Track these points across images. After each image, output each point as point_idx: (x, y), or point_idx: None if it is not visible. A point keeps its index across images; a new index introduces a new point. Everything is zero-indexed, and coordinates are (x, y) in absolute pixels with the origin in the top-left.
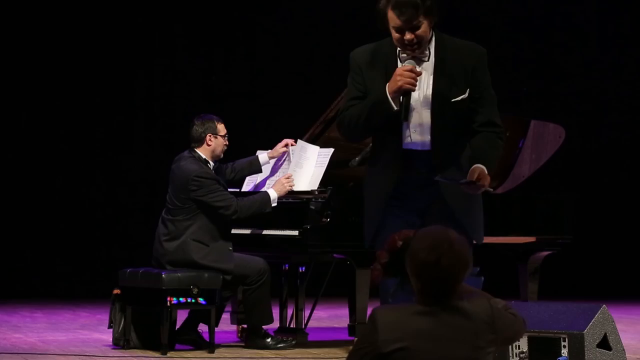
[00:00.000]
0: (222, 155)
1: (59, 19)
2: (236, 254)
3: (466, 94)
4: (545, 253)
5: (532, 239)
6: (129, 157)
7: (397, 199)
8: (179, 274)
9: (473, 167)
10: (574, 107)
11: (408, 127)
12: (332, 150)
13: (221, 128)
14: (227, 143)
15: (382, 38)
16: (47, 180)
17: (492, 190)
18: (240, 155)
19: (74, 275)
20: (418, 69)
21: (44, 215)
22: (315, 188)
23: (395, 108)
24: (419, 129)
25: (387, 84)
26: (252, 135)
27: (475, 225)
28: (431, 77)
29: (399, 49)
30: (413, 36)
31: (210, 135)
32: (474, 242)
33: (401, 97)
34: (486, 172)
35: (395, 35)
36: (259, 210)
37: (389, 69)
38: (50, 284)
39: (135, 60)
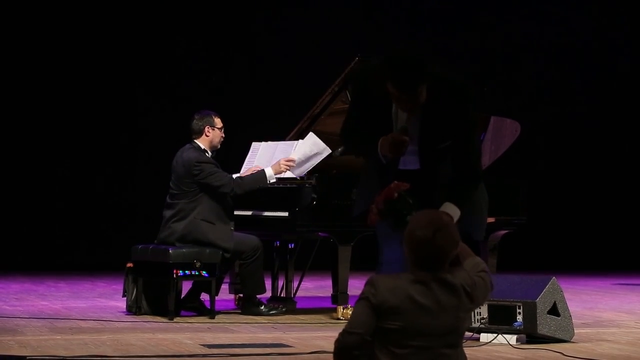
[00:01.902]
0: (219, 146)
1: (64, 17)
2: (234, 232)
3: (450, 142)
4: (503, 232)
5: (491, 220)
6: (143, 146)
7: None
8: (184, 250)
9: None
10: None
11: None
12: (329, 151)
13: (218, 121)
14: (224, 135)
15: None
16: (72, 166)
17: None
18: (238, 148)
19: (93, 250)
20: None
21: (69, 197)
22: (303, 175)
23: (384, 162)
24: (407, 159)
25: (380, 144)
26: (249, 129)
27: (476, 224)
28: (419, 122)
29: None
30: (411, 102)
31: (208, 127)
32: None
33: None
34: None
35: (393, 94)
36: (256, 184)
37: (386, 105)
38: (73, 257)
39: (146, 56)
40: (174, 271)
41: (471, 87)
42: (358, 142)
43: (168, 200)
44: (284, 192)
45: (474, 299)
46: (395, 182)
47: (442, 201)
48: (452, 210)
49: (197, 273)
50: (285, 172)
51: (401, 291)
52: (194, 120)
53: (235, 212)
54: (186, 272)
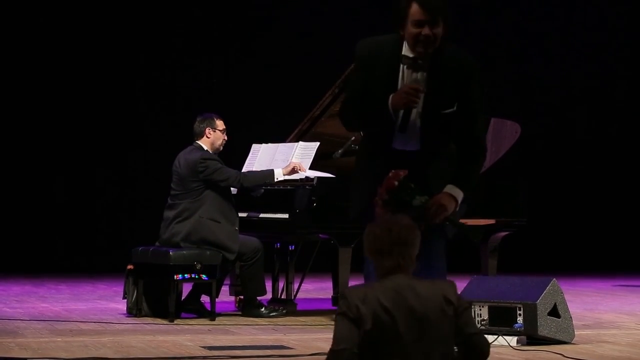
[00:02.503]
0: (221, 149)
1: (65, 17)
2: None
3: (455, 107)
4: (504, 233)
5: (492, 221)
6: (143, 148)
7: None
8: (184, 252)
9: (439, 197)
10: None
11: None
12: (317, 143)
13: (220, 123)
14: (226, 137)
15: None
16: (72, 168)
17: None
18: (238, 150)
19: (94, 253)
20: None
21: (69, 200)
22: (302, 177)
23: (394, 119)
24: (410, 132)
25: (392, 97)
26: (250, 131)
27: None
28: (423, 96)
29: (403, 51)
30: (430, 32)
31: (209, 129)
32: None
33: (401, 111)
34: (448, 202)
35: (412, 30)
36: (262, 180)
37: (391, 72)
38: (73, 259)
39: (145, 59)
40: (174, 276)
41: (478, 65)
42: (364, 108)
43: (169, 201)
44: (284, 194)
45: (460, 316)
46: (393, 171)
47: (443, 184)
48: (456, 193)
49: (197, 276)
50: (295, 173)
51: (372, 300)
52: (196, 123)
53: (242, 214)
54: (185, 275)
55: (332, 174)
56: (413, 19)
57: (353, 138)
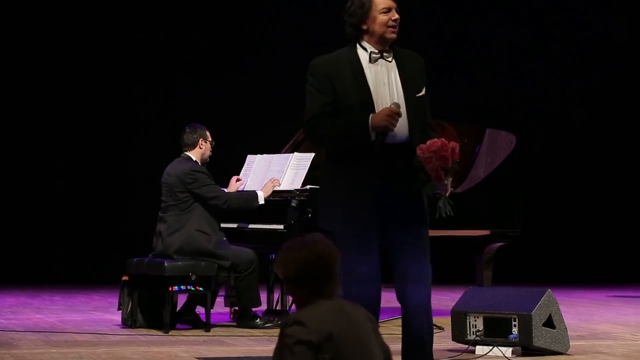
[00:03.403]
0: (208, 160)
1: (60, 23)
2: (231, 246)
3: (423, 92)
4: (498, 244)
5: (487, 232)
6: (137, 159)
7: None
8: (179, 263)
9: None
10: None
11: None
12: (312, 154)
13: (209, 135)
14: (212, 149)
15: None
16: (67, 180)
17: (452, 189)
18: (234, 160)
19: (89, 264)
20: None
21: (64, 211)
22: (298, 188)
23: (373, 138)
24: (399, 124)
25: (372, 117)
26: (245, 142)
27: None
28: (397, 75)
29: (362, 55)
30: (398, 16)
31: (202, 140)
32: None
33: (380, 135)
34: None
35: (383, 18)
36: (246, 204)
37: (358, 74)
38: (68, 271)
39: (136, 73)
40: (169, 288)
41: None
42: (335, 128)
43: (160, 214)
44: (278, 205)
45: (378, 332)
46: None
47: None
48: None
49: (192, 288)
50: (274, 188)
51: (329, 324)
52: (186, 134)
53: (231, 225)
54: (181, 287)
55: None
56: (381, 7)
57: None
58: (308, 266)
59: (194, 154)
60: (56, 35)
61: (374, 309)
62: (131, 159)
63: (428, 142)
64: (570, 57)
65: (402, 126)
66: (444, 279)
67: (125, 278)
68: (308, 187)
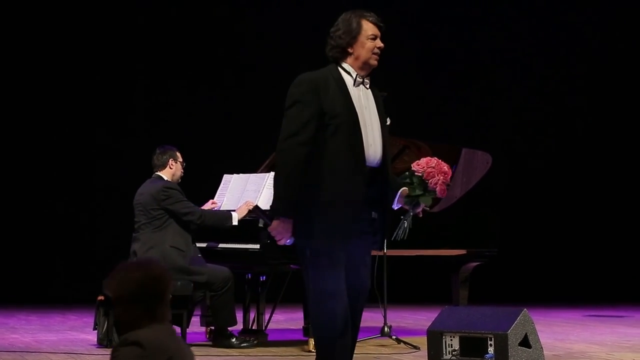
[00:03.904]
0: (180, 180)
1: (29, 42)
2: (206, 264)
3: (388, 122)
4: (474, 264)
5: (463, 252)
6: (113, 180)
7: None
8: None
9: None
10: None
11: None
12: None
13: (179, 155)
14: (183, 170)
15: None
16: (42, 199)
17: (428, 209)
18: (210, 180)
19: (64, 283)
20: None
21: (39, 231)
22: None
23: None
24: (372, 146)
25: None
26: (221, 162)
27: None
28: (373, 102)
29: (346, 77)
30: (383, 45)
31: (172, 160)
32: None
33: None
34: None
35: (369, 44)
36: (221, 222)
37: (345, 94)
38: (43, 290)
39: (108, 93)
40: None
41: None
42: (293, 179)
43: (134, 234)
44: (255, 224)
45: None
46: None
47: (392, 197)
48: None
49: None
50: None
51: (166, 344)
52: (157, 155)
53: (205, 244)
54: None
55: None
56: (369, 33)
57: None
58: (144, 287)
59: (165, 174)
60: (20, 56)
61: (347, 323)
62: (108, 179)
63: (423, 160)
64: (544, 80)
65: (376, 152)
66: (420, 299)
67: (100, 298)
68: None
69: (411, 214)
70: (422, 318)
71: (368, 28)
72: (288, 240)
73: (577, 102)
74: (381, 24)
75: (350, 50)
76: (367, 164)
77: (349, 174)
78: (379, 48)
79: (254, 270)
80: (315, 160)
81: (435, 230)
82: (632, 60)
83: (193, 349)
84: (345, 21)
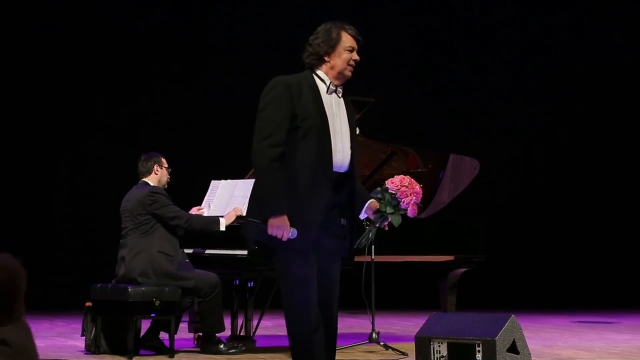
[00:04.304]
0: (166, 185)
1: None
2: (195, 270)
3: (357, 131)
4: (462, 270)
5: (451, 258)
6: (100, 185)
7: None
8: (143, 288)
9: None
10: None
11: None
12: None
13: (164, 161)
14: (169, 176)
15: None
16: (29, 205)
17: (417, 215)
18: (198, 186)
19: (52, 289)
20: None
21: (26, 236)
22: None
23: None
24: (341, 153)
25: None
26: (209, 168)
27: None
28: (345, 111)
29: (320, 84)
30: (359, 57)
31: (157, 166)
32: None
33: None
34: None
35: (346, 56)
36: (208, 227)
37: (317, 99)
38: (31, 296)
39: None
40: (133, 313)
41: None
42: (271, 183)
43: (121, 241)
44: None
45: None
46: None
47: (360, 204)
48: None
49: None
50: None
51: (29, 343)
52: (142, 161)
53: (194, 250)
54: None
55: None
56: (347, 45)
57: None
58: (1, 287)
59: (151, 180)
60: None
61: (319, 320)
62: (94, 185)
63: (397, 178)
64: (534, 84)
65: (344, 159)
66: (408, 305)
67: (88, 304)
68: None
69: (377, 226)
70: (410, 324)
71: (347, 40)
72: (291, 234)
73: (568, 109)
74: (359, 38)
75: (327, 59)
76: (335, 169)
77: (316, 176)
78: (354, 60)
79: (241, 276)
80: (284, 162)
81: (423, 236)
82: (625, 68)
83: (181, 355)
84: (325, 31)
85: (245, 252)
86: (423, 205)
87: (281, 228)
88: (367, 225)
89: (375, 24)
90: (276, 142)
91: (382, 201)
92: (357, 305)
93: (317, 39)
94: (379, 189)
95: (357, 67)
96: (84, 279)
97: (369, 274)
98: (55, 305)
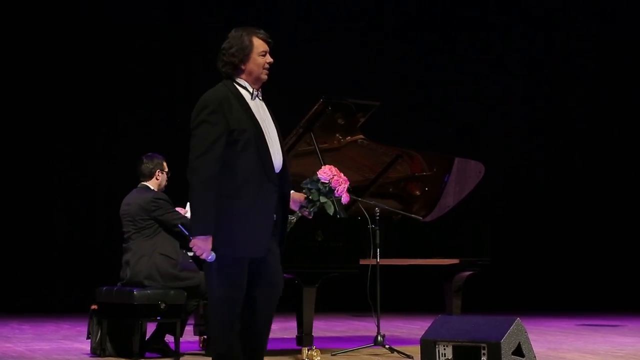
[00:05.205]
0: (164, 189)
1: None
2: (200, 272)
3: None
4: (468, 273)
5: (456, 261)
6: (105, 187)
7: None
8: (149, 291)
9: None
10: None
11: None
12: None
13: (165, 165)
14: (168, 179)
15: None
16: (34, 208)
17: (421, 218)
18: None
19: (58, 292)
20: None
21: (32, 239)
22: None
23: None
24: (276, 154)
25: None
26: None
27: None
28: (268, 112)
29: (243, 91)
30: (272, 59)
31: (158, 171)
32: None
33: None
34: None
35: (260, 60)
36: None
37: (246, 109)
38: (37, 299)
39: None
40: (139, 316)
41: None
42: (206, 201)
43: (124, 245)
44: None
45: None
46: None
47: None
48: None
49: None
50: None
51: None
52: (144, 164)
53: (190, 253)
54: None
55: (295, 213)
56: (259, 50)
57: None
58: None
59: (151, 184)
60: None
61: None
62: (99, 187)
63: (326, 167)
64: (546, 85)
65: (279, 159)
66: (414, 308)
67: (94, 307)
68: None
69: (299, 215)
70: (416, 327)
71: (259, 45)
72: (209, 257)
73: (571, 110)
74: (270, 40)
75: (242, 66)
76: (276, 172)
77: (262, 184)
78: (268, 63)
79: None
80: (227, 175)
81: (429, 239)
82: (627, 69)
83: (187, 358)
84: (237, 38)
85: None
86: (428, 208)
87: (202, 249)
88: (290, 215)
89: (378, 23)
90: (211, 158)
91: (312, 191)
92: (362, 308)
93: (231, 48)
94: (309, 179)
95: (364, 70)
96: (89, 282)
97: (374, 277)
98: (61, 308)
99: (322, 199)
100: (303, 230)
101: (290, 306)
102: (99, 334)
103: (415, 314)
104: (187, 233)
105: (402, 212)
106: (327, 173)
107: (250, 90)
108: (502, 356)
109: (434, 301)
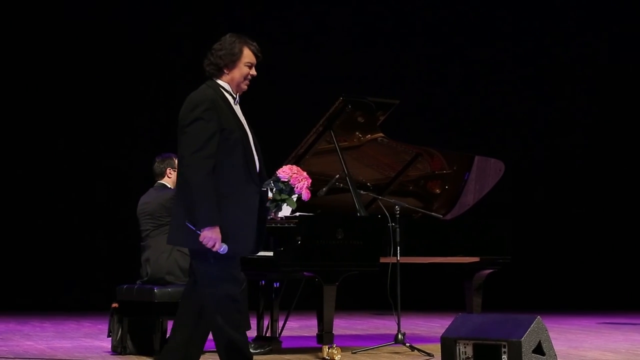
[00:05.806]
0: None
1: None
2: None
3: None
4: (488, 271)
5: (476, 259)
6: (124, 187)
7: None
8: (169, 289)
9: None
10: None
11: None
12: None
13: (176, 162)
14: None
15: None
16: (55, 207)
17: (441, 216)
18: None
19: (79, 291)
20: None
21: (54, 238)
22: (287, 215)
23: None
24: (257, 157)
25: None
26: None
27: None
28: (243, 118)
29: (227, 94)
30: (255, 73)
31: (169, 169)
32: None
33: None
34: None
35: (245, 70)
36: None
37: (232, 110)
38: (58, 297)
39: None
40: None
41: None
42: (205, 195)
43: (142, 243)
44: (268, 231)
45: None
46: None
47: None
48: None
49: None
50: None
51: None
52: (156, 164)
53: None
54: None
55: (315, 211)
56: (247, 60)
57: (337, 176)
58: None
59: (167, 182)
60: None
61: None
62: (119, 186)
63: (286, 167)
64: (560, 82)
65: (259, 162)
66: (434, 306)
67: (115, 305)
68: (297, 214)
69: (271, 216)
70: (436, 325)
71: (247, 55)
72: (221, 248)
73: (586, 109)
74: (260, 55)
75: (226, 71)
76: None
77: (248, 184)
78: (252, 75)
79: (267, 277)
80: (217, 173)
81: (449, 237)
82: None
83: (207, 355)
84: (229, 43)
85: (270, 253)
86: (448, 207)
87: (213, 239)
88: None
89: (400, 23)
90: (207, 154)
91: (273, 191)
92: (382, 306)
93: (221, 50)
94: (270, 180)
95: (383, 68)
96: (110, 280)
97: (394, 275)
98: (82, 307)
99: (283, 196)
100: (323, 228)
101: (311, 304)
102: (119, 332)
103: (436, 312)
104: (194, 228)
105: (422, 210)
106: (286, 172)
107: (234, 95)
108: (523, 354)
109: (454, 299)
